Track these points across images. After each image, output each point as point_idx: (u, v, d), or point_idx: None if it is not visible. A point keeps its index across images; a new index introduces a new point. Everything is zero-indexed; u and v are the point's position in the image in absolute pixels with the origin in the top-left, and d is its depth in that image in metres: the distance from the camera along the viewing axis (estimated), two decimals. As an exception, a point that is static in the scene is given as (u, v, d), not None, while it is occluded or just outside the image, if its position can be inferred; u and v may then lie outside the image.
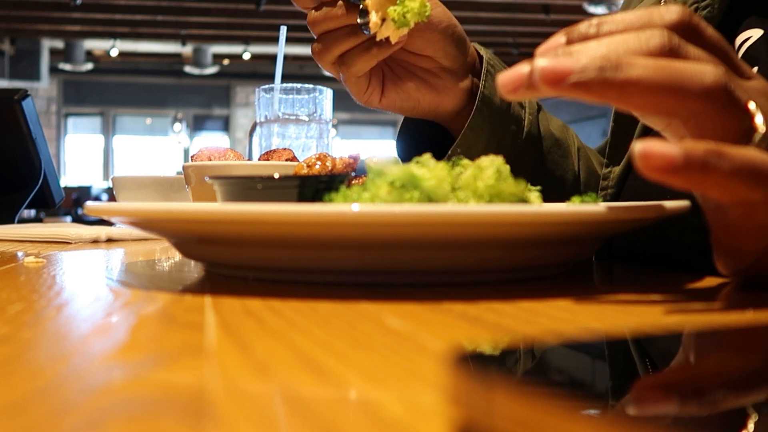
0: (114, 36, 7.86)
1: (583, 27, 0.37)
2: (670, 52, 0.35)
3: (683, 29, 0.37)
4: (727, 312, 0.38)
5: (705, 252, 0.41)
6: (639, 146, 0.30)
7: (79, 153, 9.82)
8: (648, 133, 0.66)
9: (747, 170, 0.32)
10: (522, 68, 0.35)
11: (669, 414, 0.16)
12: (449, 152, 0.70)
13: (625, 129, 0.69)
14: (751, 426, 0.15)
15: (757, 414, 0.16)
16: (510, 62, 0.42)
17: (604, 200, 0.66)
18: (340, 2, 0.63)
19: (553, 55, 0.35)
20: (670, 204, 0.43)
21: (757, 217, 0.35)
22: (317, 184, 0.47)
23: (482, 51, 0.73)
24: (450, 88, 0.70)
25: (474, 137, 0.70)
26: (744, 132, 0.34)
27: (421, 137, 0.77)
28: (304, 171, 0.54)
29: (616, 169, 0.69)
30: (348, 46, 0.64)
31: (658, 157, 0.30)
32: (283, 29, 0.95)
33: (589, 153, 0.81)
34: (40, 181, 1.33)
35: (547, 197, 0.76)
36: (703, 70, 0.34)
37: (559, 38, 0.38)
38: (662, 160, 0.30)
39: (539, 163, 0.75)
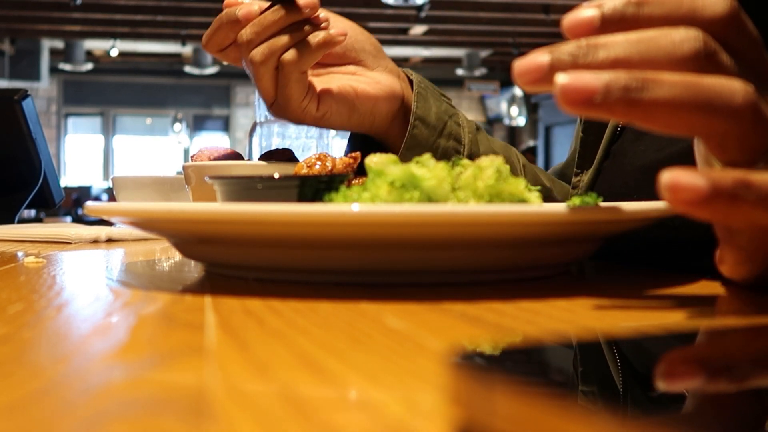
0: (114, 36, 7.85)
1: (620, 3, 0.35)
2: (703, 59, 0.33)
3: (726, 25, 0.35)
4: (727, 312, 0.38)
5: (705, 252, 0.41)
6: (666, 177, 0.28)
7: (79, 153, 9.81)
8: (616, 141, 0.67)
9: None
10: (541, 58, 0.33)
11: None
12: None
13: (593, 138, 0.69)
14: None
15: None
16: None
17: None
18: (275, 7, 0.63)
19: (572, 59, 0.33)
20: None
21: None
22: (317, 184, 0.47)
23: (412, 75, 0.73)
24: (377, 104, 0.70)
25: (413, 156, 0.70)
26: (766, 149, 0.33)
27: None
28: (304, 171, 0.54)
29: (585, 177, 0.70)
30: (294, 41, 0.63)
31: (686, 190, 0.28)
32: (283, 29, 0.95)
33: (536, 170, 0.83)
34: (40, 181, 1.33)
35: None
36: (732, 89, 0.32)
37: (592, 11, 0.35)
38: (690, 193, 0.28)
39: None
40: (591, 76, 0.31)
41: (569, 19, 0.35)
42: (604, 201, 0.66)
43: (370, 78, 0.69)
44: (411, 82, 0.73)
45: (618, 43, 0.33)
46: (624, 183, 0.63)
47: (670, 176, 0.28)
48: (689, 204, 0.28)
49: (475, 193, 0.41)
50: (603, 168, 0.68)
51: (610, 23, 0.34)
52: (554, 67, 0.33)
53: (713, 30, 0.34)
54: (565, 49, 0.33)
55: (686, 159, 0.39)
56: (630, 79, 0.31)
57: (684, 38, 0.33)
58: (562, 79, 0.32)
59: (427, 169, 0.41)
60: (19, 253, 0.70)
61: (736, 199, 0.29)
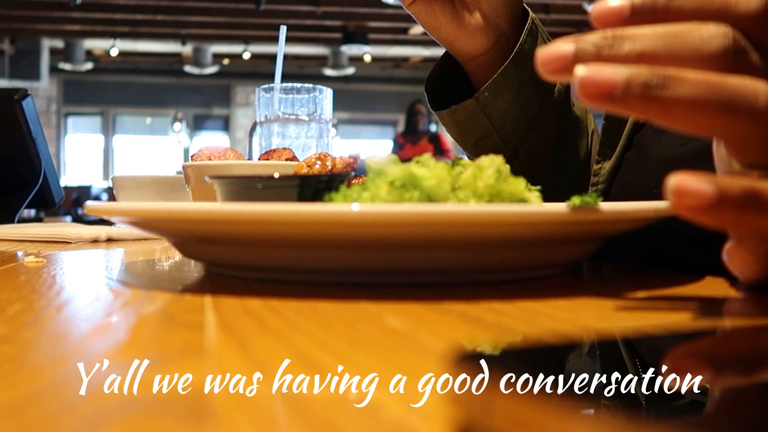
0: (114, 36, 7.86)
1: None
2: (732, 57, 0.32)
3: (759, 21, 0.33)
4: (728, 312, 0.38)
5: (706, 251, 0.41)
6: (673, 182, 0.28)
7: (79, 153, 9.82)
8: (639, 130, 0.67)
9: None
10: (564, 47, 0.32)
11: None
12: (477, 94, 0.72)
13: (615, 126, 0.69)
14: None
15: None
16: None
17: None
18: None
19: (596, 51, 0.32)
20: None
21: None
22: (317, 184, 0.47)
23: (529, 10, 0.75)
24: (474, 30, 0.72)
25: (504, 85, 0.71)
26: None
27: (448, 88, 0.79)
28: (304, 171, 0.54)
29: (607, 165, 0.70)
30: None
31: (692, 196, 0.27)
32: (283, 29, 0.95)
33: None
34: (40, 181, 1.33)
35: (556, 171, 0.78)
36: (756, 91, 0.31)
37: (623, 1, 0.34)
38: (696, 199, 0.27)
39: (556, 133, 0.77)
40: (611, 70, 0.31)
41: (597, 8, 0.34)
42: (625, 194, 0.66)
43: (466, 19, 0.72)
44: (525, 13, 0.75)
45: (645, 36, 0.33)
46: (646, 176, 0.63)
47: (676, 180, 0.28)
48: (694, 210, 0.28)
49: (475, 193, 0.41)
50: (625, 159, 0.68)
51: (640, 14, 0.34)
52: (578, 58, 0.32)
53: (745, 26, 0.33)
54: (590, 40, 0.33)
55: (711, 154, 0.38)
56: (651, 76, 0.31)
57: (713, 35, 0.32)
58: (581, 71, 0.31)
59: (427, 169, 0.41)
60: (19, 253, 0.70)
61: (743, 208, 0.28)
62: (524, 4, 0.74)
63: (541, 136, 0.76)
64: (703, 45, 0.32)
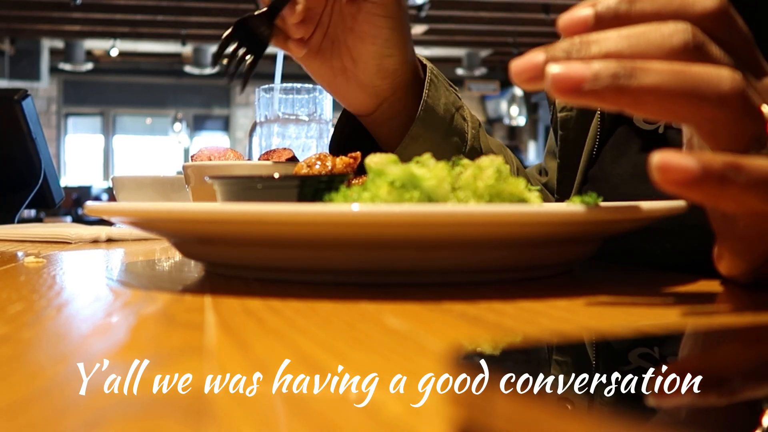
0: (114, 36, 7.85)
1: (614, 1, 0.35)
2: (692, 50, 0.34)
3: (716, 20, 0.35)
4: (727, 312, 0.38)
5: (705, 252, 0.41)
6: (657, 158, 0.29)
7: (79, 153, 9.81)
8: (593, 164, 0.66)
9: (764, 183, 0.30)
10: (537, 57, 0.34)
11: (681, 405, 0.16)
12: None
13: (572, 163, 0.69)
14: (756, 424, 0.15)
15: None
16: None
17: None
18: None
19: (566, 55, 0.34)
20: (669, 204, 0.43)
21: (766, 225, 0.35)
22: (317, 184, 0.47)
23: (425, 61, 0.72)
24: (353, 93, 0.70)
25: (415, 146, 0.68)
26: (758, 137, 0.34)
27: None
28: (304, 171, 0.54)
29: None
30: None
31: (676, 171, 0.29)
32: (283, 29, 0.95)
33: (527, 173, 0.82)
34: (40, 181, 1.33)
35: None
36: (720, 76, 0.33)
37: (587, 10, 0.36)
38: (679, 173, 0.29)
39: None
40: (581, 65, 0.32)
41: (564, 19, 0.36)
42: None
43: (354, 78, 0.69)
44: (424, 68, 0.72)
45: (609, 38, 0.34)
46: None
47: (660, 157, 0.29)
48: (679, 184, 0.29)
49: (475, 193, 0.41)
50: (582, 193, 0.68)
51: (604, 21, 0.35)
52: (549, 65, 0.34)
53: (703, 25, 0.35)
54: (559, 47, 0.34)
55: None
56: (619, 67, 0.32)
57: (673, 31, 0.34)
58: (553, 69, 0.33)
59: (427, 169, 0.41)
60: (19, 253, 0.70)
61: (725, 181, 0.29)
62: (420, 64, 0.71)
63: None
64: (664, 41, 0.34)
